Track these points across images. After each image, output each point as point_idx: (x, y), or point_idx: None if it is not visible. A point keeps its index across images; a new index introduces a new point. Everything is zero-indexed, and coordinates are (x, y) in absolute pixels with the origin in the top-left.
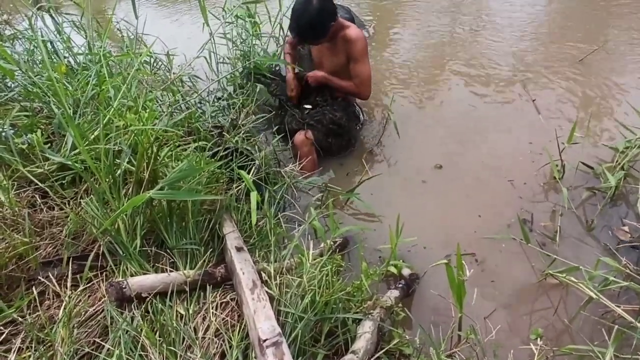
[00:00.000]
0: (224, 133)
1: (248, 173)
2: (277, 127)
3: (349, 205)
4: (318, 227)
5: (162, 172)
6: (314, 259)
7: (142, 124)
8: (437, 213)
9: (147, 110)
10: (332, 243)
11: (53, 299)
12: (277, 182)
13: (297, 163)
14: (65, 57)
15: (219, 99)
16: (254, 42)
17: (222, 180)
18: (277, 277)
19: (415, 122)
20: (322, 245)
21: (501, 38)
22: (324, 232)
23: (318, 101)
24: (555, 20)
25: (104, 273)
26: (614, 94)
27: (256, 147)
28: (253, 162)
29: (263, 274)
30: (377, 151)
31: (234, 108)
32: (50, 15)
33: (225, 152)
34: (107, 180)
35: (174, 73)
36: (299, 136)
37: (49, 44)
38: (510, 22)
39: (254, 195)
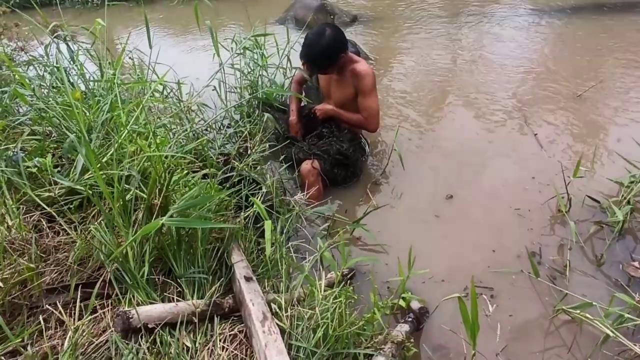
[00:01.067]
0: (231, 160)
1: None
2: (283, 156)
3: (355, 236)
4: (328, 258)
5: (173, 199)
6: (325, 291)
7: (153, 150)
8: (443, 244)
9: (159, 137)
10: (341, 274)
11: (56, 327)
12: (283, 211)
13: (304, 192)
14: (78, 84)
15: (227, 126)
16: (261, 73)
17: (230, 208)
18: (288, 309)
19: (419, 153)
20: (329, 275)
21: (500, 74)
22: (335, 262)
23: (324, 132)
24: (551, 57)
25: (110, 301)
26: (614, 129)
27: (264, 175)
28: (260, 190)
29: (273, 305)
30: (382, 182)
31: (240, 136)
32: (66, 43)
33: (234, 180)
34: (118, 205)
35: (182, 101)
36: (306, 166)
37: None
38: (509, 58)
39: (268, 225)
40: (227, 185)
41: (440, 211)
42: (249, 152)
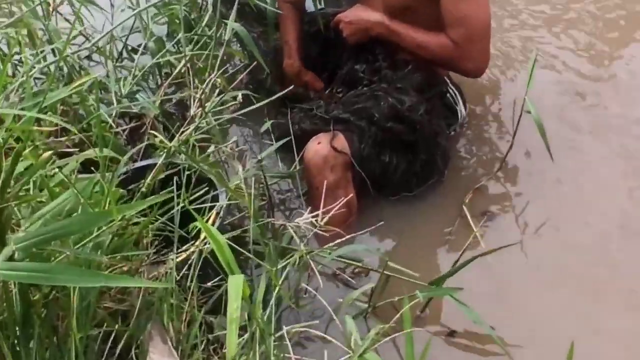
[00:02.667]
0: (148, 129)
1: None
2: (272, 125)
3: (435, 312)
4: None
5: (15, 217)
6: None
7: None
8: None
9: None
10: None
11: None
12: (269, 252)
13: (315, 198)
14: None
15: (142, 51)
16: None
17: (147, 242)
18: None
19: (582, 130)
20: None
21: None
22: None
23: (361, 72)
24: None
25: None
26: None
27: (227, 166)
28: (216, 202)
29: None
30: (497, 189)
31: (170, 75)
32: None
33: (156, 177)
34: None
35: None
36: (315, 146)
37: None
38: None
39: (236, 289)
40: (140, 189)
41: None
42: (190, 114)
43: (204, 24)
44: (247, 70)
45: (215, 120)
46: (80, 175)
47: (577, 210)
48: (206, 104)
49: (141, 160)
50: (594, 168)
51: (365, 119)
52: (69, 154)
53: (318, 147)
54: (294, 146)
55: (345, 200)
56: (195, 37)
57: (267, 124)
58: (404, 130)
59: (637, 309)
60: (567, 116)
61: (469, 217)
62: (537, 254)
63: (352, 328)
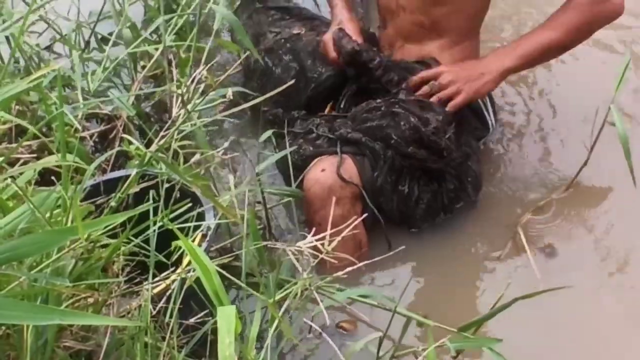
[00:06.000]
0: (120, 131)
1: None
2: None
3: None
4: None
5: None
6: None
7: None
8: None
9: None
10: None
11: None
12: (266, 284)
13: (316, 232)
14: None
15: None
16: None
17: (117, 268)
18: None
19: None
20: None
21: None
22: None
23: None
24: None
25: None
26: None
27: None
28: (202, 222)
29: None
30: (560, 215)
31: (144, 67)
32: None
33: (127, 191)
34: None
35: None
36: (316, 172)
37: None
38: None
39: (228, 315)
40: (110, 204)
41: None
42: (172, 114)
43: (191, 8)
44: (239, 62)
45: (201, 122)
46: (38, 188)
47: None
48: (189, 103)
49: (112, 170)
50: None
51: (380, 141)
52: (25, 163)
53: (320, 175)
54: (291, 174)
55: (353, 234)
56: (177, 24)
57: (268, 133)
58: (428, 157)
59: None
60: None
61: (524, 241)
62: (600, 298)
63: None
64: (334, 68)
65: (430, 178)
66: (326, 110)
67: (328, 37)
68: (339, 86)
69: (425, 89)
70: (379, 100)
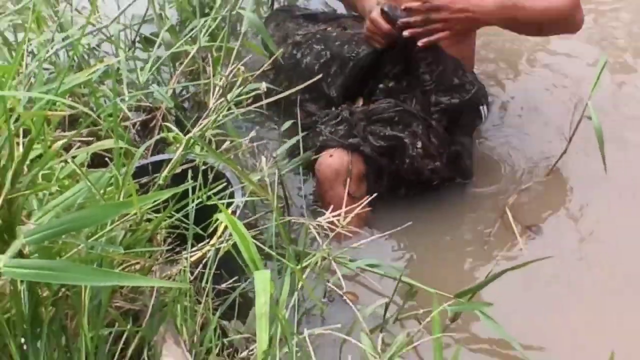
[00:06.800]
0: (159, 121)
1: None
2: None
3: (462, 324)
4: None
5: (26, 208)
6: None
7: None
8: None
9: None
10: None
11: None
12: (289, 255)
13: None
14: None
15: (150, 39)
16: None
17: (160, 239)
18: None
19: (635, 130)
20: None
21: None
22: None
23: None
24: None
25: None
26: None
27: (245, 162)
28: (232, 198)
29: None
30: (542, 197)
31: (182, 63)
32: None
33: (170, 171)
34: None
35: None
36: (326, 158)
37: None
38: None
39: (264, 283)
40: (156, 182)
41: None
42: (208, 106)
43: (224, 11)
44: (270, 60)
45: (236, 113)
46: (90, 169)
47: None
48: (219, 97)
49: (151, 155)
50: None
51: (386, 157)
52: (77, 148)
53: (329, 159)
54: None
55: (356, 208)
56: (210, 26)
57: (287, 124)
58: (425, 179)
59: None
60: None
61: (511, 220)
62: (579, 268)
63: (365, 332)
64: (376, 47)
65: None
66: (358, 103)
67: (376, 14)
68: (374, 68)
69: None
70: (392, 110)
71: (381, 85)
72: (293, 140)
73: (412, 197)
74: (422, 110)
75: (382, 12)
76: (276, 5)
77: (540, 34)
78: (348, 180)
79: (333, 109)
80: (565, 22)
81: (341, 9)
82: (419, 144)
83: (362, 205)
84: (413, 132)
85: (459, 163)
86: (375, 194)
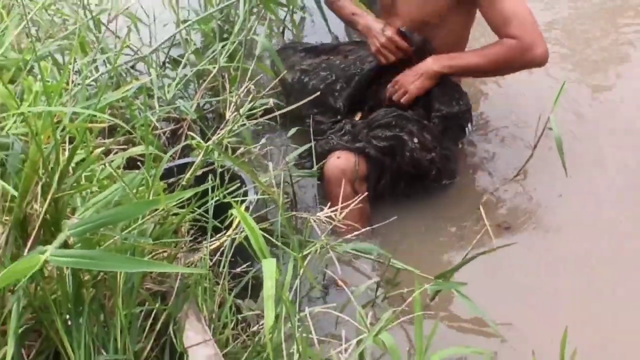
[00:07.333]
0: (186, 131)
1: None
2: (294, 130)
3: (440, 303)
4: (390, 348)
5: (70, 205)
6: None
7: (32, 103)
8: (624, 329)
9: (45, 78)
10: None
11: None
12: (293, 244)
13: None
14: None
15: (181, 62)
16: None
17: (184, 231)
18: None
19: (592, 137)
20: None
21: None
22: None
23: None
24: None
25: None
26: None
27: (256, 165)
28: (246, 197)
29: None
30: (511, 196)
31: (204, 81)
32: None
33: (193, 173)
34: None
35: (91, 9)
36: (334, 160)
37: None
38: None
39: (270, 268)
40: (180, 183)
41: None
42: (226, 118)
43: (240, 37)
44: (277, 79)
45: (248, 123)
46: (126, 171)
47: (581, 205)
48: (236, 109)
49: (178, 159)
50: (593, 169)
51: (388, 156)
52: (115, 153)
53: (337, 161)
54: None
55: (359, 207)
56: (229, 49)
57: (293, 130)
58: (421, 173)
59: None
60: (582, 124)
61: (484, 216)
62: (545, 250)
63: (360, 312)
64: (382, 61)
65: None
66: (357, 117)
67: (392, 33)
68: (375, 82)
69: (390, 91)
70: (390, 116)
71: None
72: (305, 147)
73: (408, 195)
74: (423, 115)
75: (399, 32)
76: (287, 34)
77: (503, 75)
78: (356, 178)
79: (339, 117)
80: (521, 63)
81: (340, 35)
82: (416, 140)
83: (360, 202)
84: (409, 131)
85: (447, 165)
86: (375, 195)
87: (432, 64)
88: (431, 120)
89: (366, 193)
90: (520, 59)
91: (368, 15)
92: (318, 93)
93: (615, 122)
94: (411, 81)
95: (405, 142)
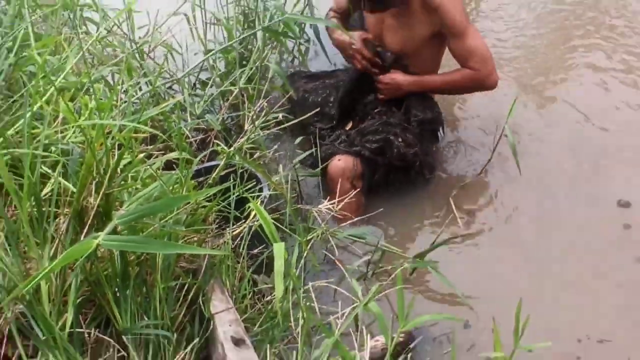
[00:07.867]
0: (212, 139)
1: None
2: (300, 139)
3: (418, 278)
4: (378, 314)
5: (118, 200)
6: None
7: (88, 116)
8: (575, 299)
9: (98, 97)
10: (397, 342)
11: None
12: (299, 230)
13: (334, 200)
14: None
15: (208, 83)
16: None
17: (211, 220)
18: None
19: (541, 141)
20: (375, 342)
21: None
22: (385, 321)
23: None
24: None
25: None
26: None
27: (268, 166)
28: (261, 193)
29: None
30: (476, 191)
31: (228, 99)
32: None
33: (218, 173)
34: (30, 208)
35: (134, 41)
36: (335, 161)
37: None
38: None
39: (280, 251)
40: (208, 181)
41: (570, 242)
42: (244, 128)
43: (256, 64)
44: (286, 97)
45: (262, 133)
46: (163, 172)
47: (534, 199)
48: (253, 121)
49: (207, 162)
50: (548, 170)
51: (379, 156)
52: (155, 157)
53: (338, 162)
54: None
55: (356, 199)
56: (248, 73)
57: (299, 139)
58: (406, 166)
59: (580, 284)
60: (535, 130)
61: (453, 207)
62: (500, 236)
63: (355, 285)
64: (357, 65)
65: (403, 169)
66: (348, 127)
67: (358, 44)
68: (358, 89)
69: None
70: (377, 123)
71: (370, 97)
72: (308, 153)
73: (397, 187)
74: (404, 119)
75: (376, 51)
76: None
77: (460, 94)
78: (355, 177)
79: (334, 122)
80: (478, 87)
81: (338, 62)
82: (400, 139)
83: (355, 196)
84: (394, 133)
85: (427, 158)
86: (369, 189)
87: (402, 81)
88: (410, 123)
89: (361, 188)
90: (476, 86)
91: (340, 30)
92: (318, 109)
93: (560, 129)
94: (391, 92)
95: (392, 142)
